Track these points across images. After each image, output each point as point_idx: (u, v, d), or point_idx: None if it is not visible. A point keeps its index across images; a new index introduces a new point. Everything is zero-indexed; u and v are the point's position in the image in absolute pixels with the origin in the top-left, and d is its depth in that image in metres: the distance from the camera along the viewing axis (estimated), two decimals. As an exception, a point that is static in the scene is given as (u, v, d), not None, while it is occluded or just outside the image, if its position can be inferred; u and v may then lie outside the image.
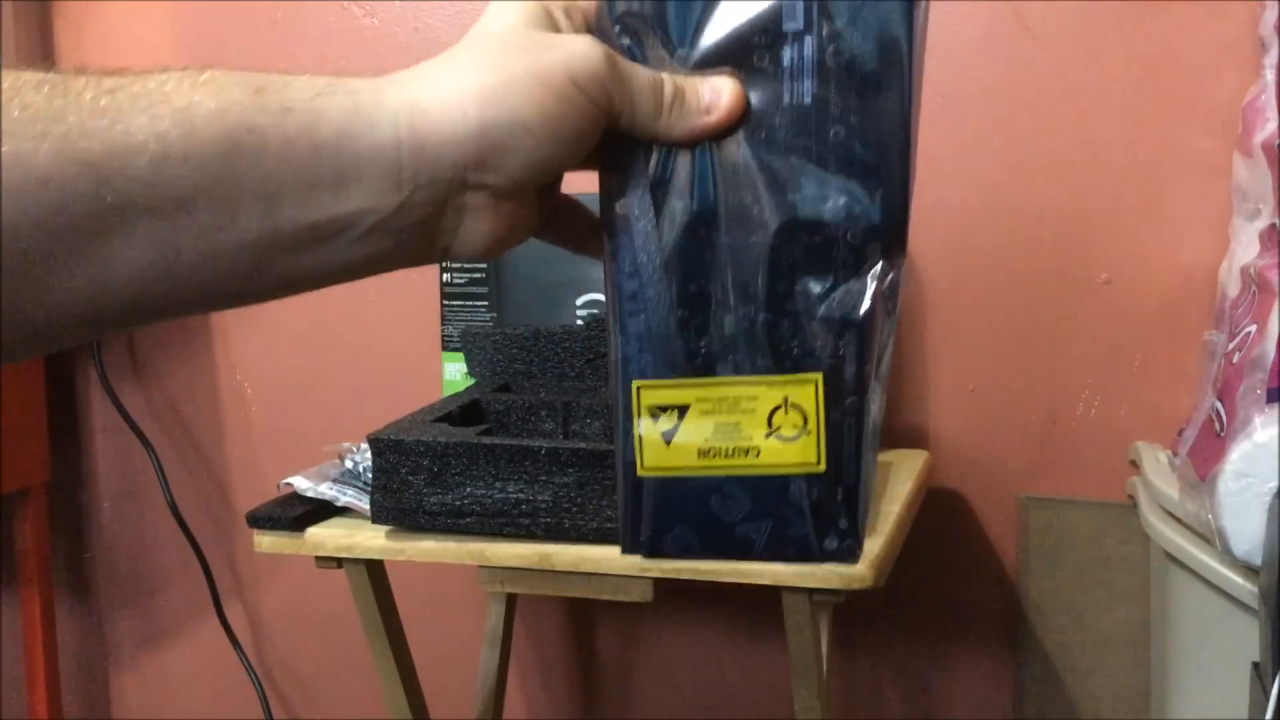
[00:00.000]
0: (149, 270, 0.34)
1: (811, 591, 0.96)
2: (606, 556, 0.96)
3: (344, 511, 1.08)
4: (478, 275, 1.35)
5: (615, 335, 0.42)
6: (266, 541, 1.06)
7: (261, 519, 1.06)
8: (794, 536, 0.43)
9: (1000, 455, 1.33)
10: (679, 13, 0.40)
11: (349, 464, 1.13)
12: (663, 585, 1.00)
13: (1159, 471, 1.15)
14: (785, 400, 0.41)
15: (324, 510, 1.07)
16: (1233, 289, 1.10)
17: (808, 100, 0.40)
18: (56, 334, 0.34)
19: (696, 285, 0.41)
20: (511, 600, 1.38)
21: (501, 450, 0.97)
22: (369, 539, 1.02)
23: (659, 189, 0.41)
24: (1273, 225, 1.04)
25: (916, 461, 1.25)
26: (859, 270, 0.41)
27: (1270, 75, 1.10)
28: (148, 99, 0.34)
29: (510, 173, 0.38)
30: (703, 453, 0.42)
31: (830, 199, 0.40)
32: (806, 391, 0.41)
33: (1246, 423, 0.91)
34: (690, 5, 0.40)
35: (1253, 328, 0.97)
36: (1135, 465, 1.24)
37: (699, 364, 0.42)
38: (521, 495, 0.97)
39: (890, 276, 0.41)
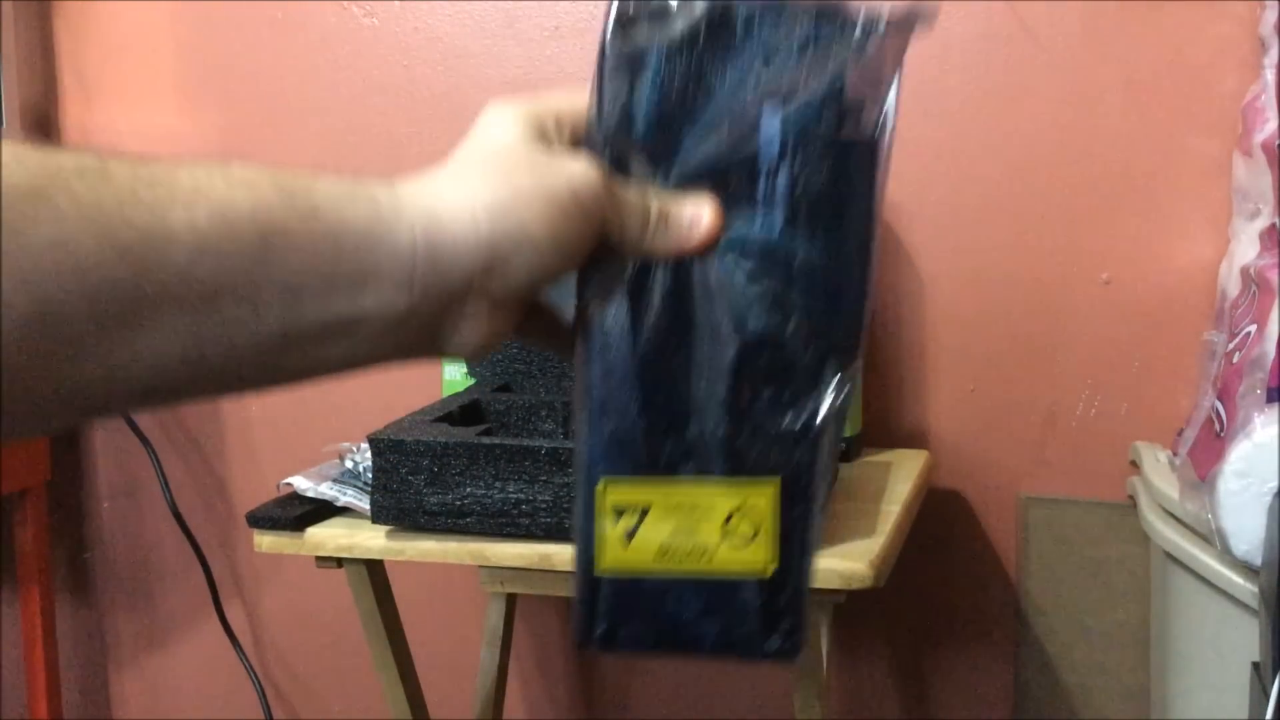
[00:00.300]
0: (168, 358, 0.35)
1: (811, 591, 0.96)
2: (606, 556, 0.96)
3: (344, 511, 1.08)
4: (478, 275, 1.35)
5: (584, 435, 0.45)
6: (266, 541, 1.06)
7: (261, 519, 1.06)
8: (741, 635, 0.44)
9: (1000, 455, 1.33)
10: (664, 138, 0.43)
11: (349, 464, 1.13)
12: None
13: (1159, 471, 1.15)
14: (741, 505, 0.44)
15: (324, 510, 1.07)
16: (1233, 289, 1.10)
17: (778, 227, 0.43)
18: (64, 416, 0.35)
19: (664, 393, 0.44)
20: (511, 600, 1.38)
21: (501, 450, 0.97)
22: (369, 539, 1.02)
23: (635, 300, 0.44)
24: (1273, 225, 1.04)
25: (916, 461, 1.25)
26: (816, 385, 0.44)
27: (1270, 75, 1.10)
28: (184, 193, 0.35)
29: (512, 282, 0.40)
30: (661, 552, 0.44)
31: (793, 319, 0.43)
32: (762, 497, 0.44)
33: (1246, 423, 0.91)
34: (676, 132, 0.43)
35: (1253, 328, 0.97)
36: (1135, 465, 1.24)
37: (662, 467, 0.44)
38: (521, 495, 0.97)
39: (845, 390, 0.44)
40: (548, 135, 0.43)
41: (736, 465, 0.44)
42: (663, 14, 0.43)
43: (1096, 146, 1.26)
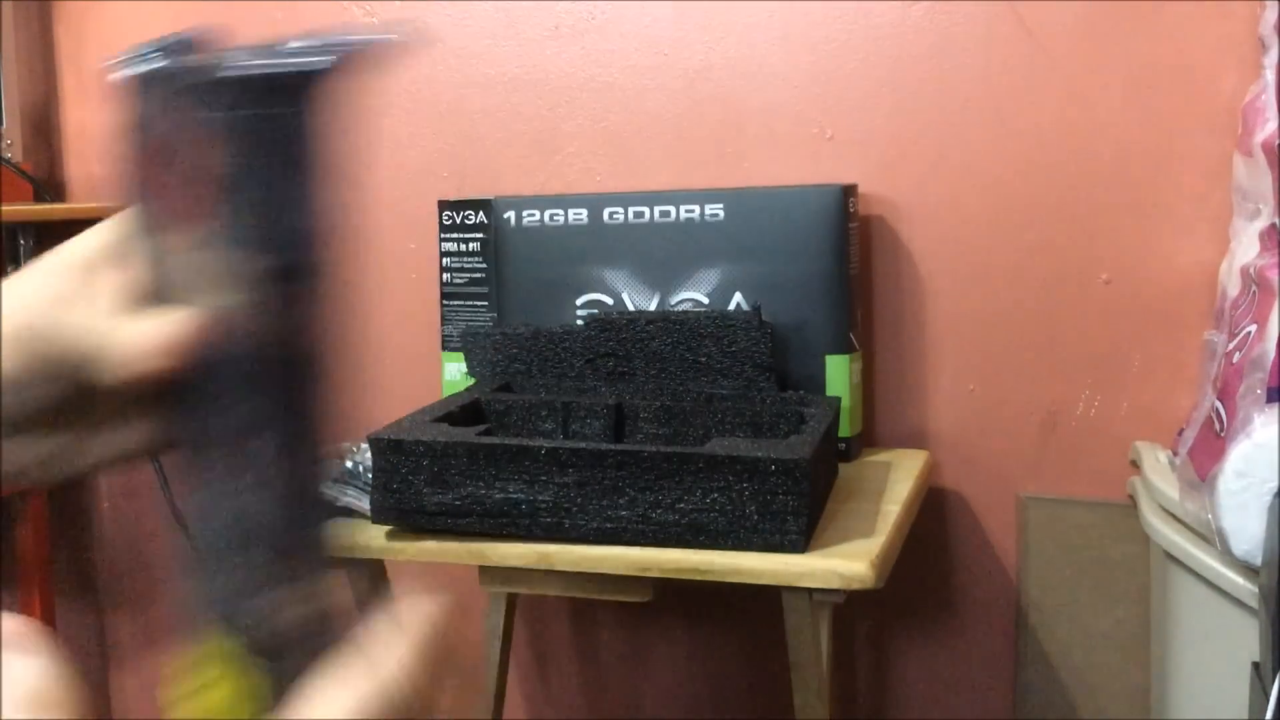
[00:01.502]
0: None
1: (811, 591, 0.96)
2: (606, 556, 0.96)
3: (344, 511, 1.08)
4: (478, 275, 1.35)
5: None
6: (266, 541, 1.06)
7: (261, 519, 1.05)
8: None
9: (1000, 455, 1.33)
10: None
11: (349, 464, 1.13)
12: (663, 585, 1.00)
13: (1159, 471, 1.15)
14: None
15: (324, 510, 1.07)
16: (1233, 289, 1.10)
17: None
18: None
19: None
20: (511, 600, 1.38)
21: (501, 450, 0.97)
22: (369, 539, 1.02)
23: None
24: (1273, 225, 1.04)
25: (916, 461, 1.25)
26: None
27: (1270, 75, 1.10)
28: None
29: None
30: None
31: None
32: None
33: (1246, 423, 0.91)
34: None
35: (1253, 328, 0.98)
36: (1135, 465, 1.24)
37: None
38: (521, 495, 0.97)
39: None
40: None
41: None
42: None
43: (1096, 146, 1.26)
